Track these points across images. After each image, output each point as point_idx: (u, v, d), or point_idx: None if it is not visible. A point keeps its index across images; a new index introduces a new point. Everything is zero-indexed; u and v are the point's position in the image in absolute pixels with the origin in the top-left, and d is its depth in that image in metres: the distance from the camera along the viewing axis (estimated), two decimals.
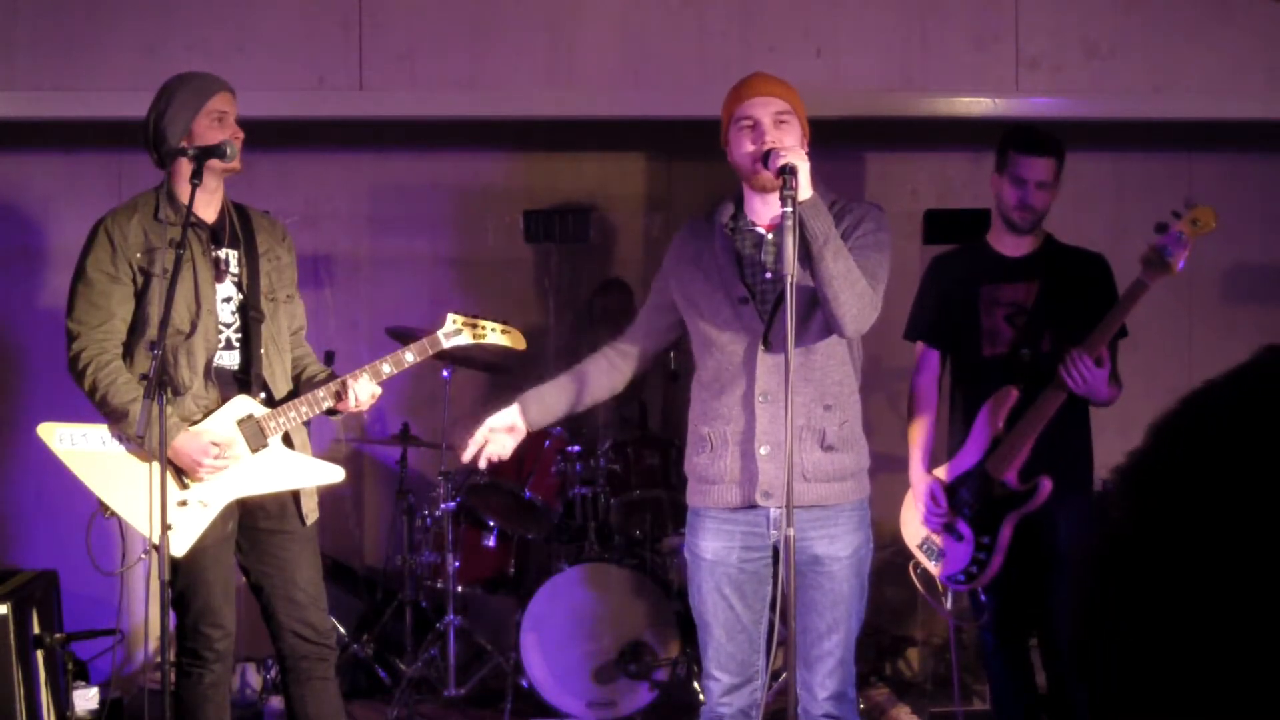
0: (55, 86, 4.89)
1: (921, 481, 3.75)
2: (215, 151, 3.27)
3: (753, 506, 3.04)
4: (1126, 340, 3.74)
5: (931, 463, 3.81)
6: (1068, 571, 3.56)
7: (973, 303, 3.74)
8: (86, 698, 4.45)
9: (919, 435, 3.82)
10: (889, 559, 5.19)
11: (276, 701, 4.51)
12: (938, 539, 3.73)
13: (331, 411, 3.44)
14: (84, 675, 4.55)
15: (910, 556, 3.81)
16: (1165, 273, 3.38)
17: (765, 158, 2.89)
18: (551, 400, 3.24)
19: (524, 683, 4.69)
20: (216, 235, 3.41)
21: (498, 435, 3.19)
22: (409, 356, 3.43)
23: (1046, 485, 3.51)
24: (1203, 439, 0.80)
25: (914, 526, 3.78)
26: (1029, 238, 3.76)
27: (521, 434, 3.21)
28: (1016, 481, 3.56)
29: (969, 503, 3.65)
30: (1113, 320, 3.45)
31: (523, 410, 3.21)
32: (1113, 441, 3.60)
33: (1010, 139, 3.76)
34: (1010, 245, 3.77)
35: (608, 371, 3.26)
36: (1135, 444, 0.84)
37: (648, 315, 3.29)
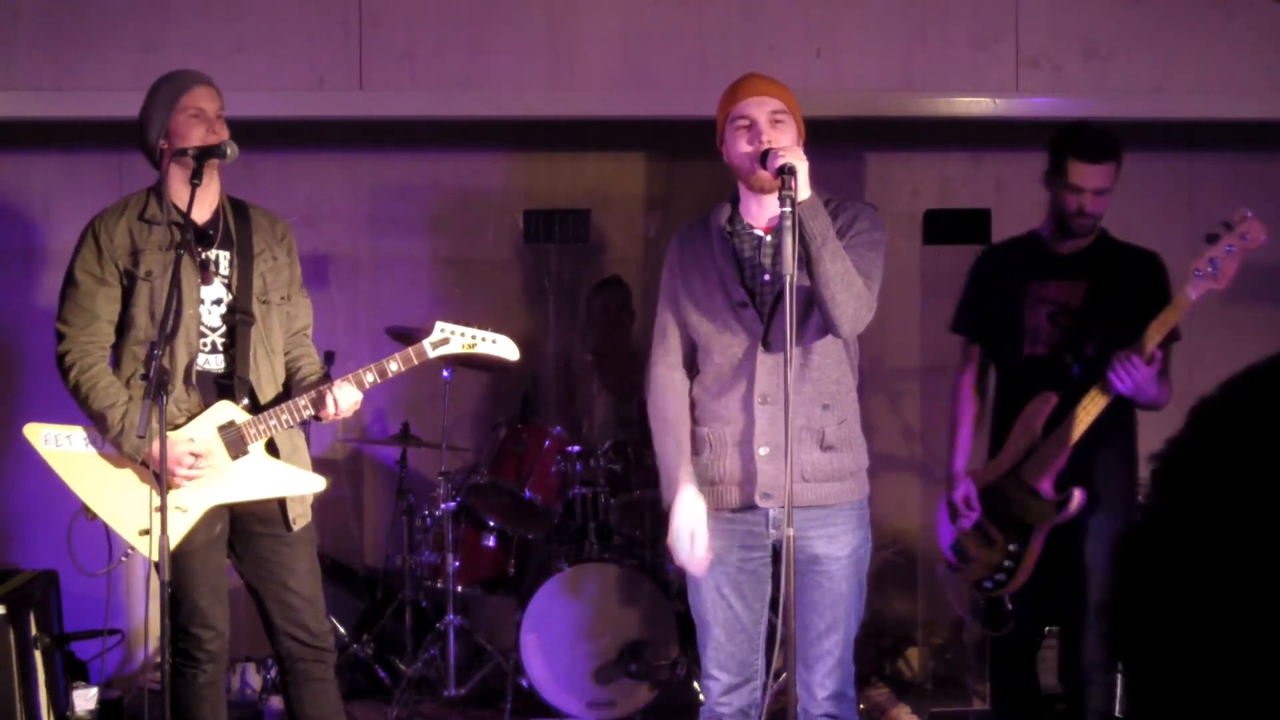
0: (55, 86, 4.89)
1: (956, 482, 3.70)
2: (215, 152, 3.26)
3: (752, 507, 3.04)
4: None
5: (972, 461, 3.76)
6: (1092, 586, 3.54)
7: (1018, 299, 3.64)
8: (86, 698, 4.45)
9: (957, 434, 3.77)
10: (889, 559, 5.20)
11: (276, 701, 4.51)
12: (969, 542, 3.70)
13: (316, 417, 3.41)
14: (83, 675, 4.55)
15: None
16: (1212, 283, 3.29)
17: (764, 158, 2.88)
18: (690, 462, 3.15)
19: (524, 683, 4.69)
20: (206, 236, 3.39)
21: (700, 526, 3.06)
22: (393, 366, 3.37)
23: (1079, 496, 3.45)
24: (1246, 422, 0.78)
25: (947, 527, 3.74)
26: (1085, 234, 3.65)
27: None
28: (1052, 490, 3.49)
29: (1002, 508, 3.61)
30: (1162, 325, 3.34)
31: (695, 489, 3.08)
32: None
33: (1065, 145, 3.58)
34: (1063, 242, 3.65)
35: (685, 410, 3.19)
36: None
37: (673, 342, 3.18)
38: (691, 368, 3.19)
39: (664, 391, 3.16)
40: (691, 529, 3.03)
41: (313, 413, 3.36)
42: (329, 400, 3.31)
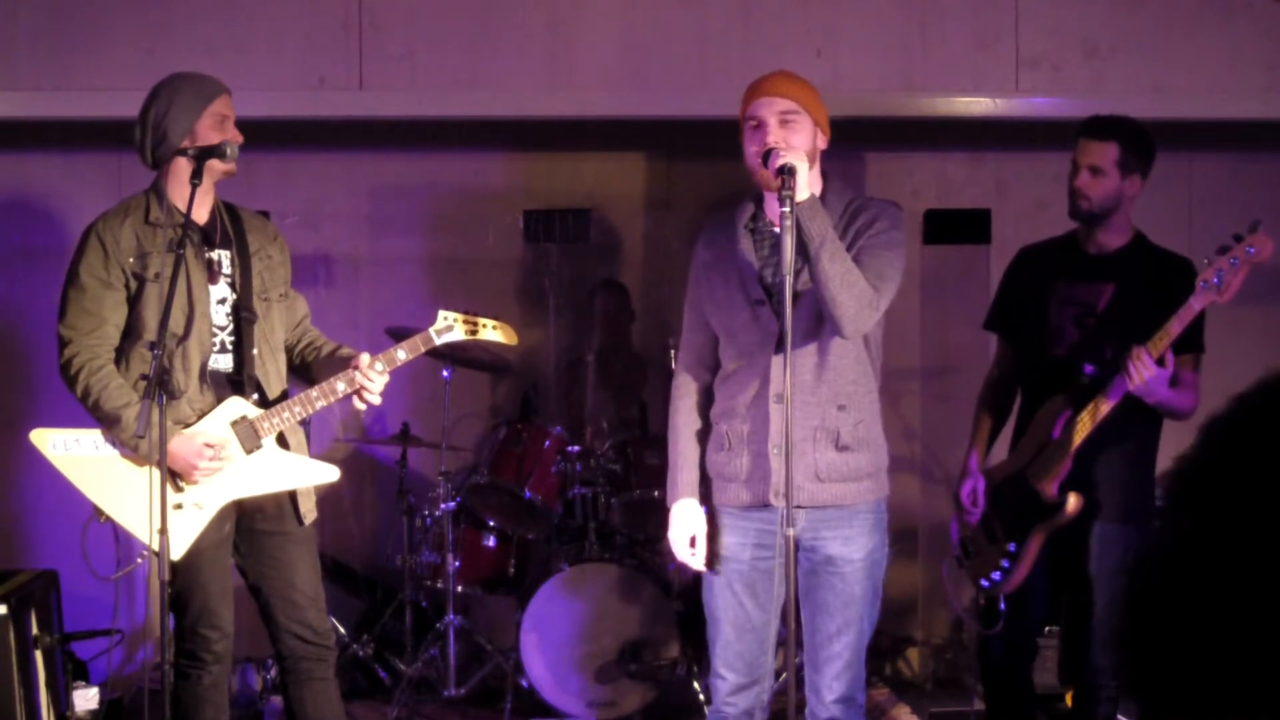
0: (55, 86, 4.89)
1: (967, 476, 3.70)
2: (215, 152, 3.26)
3: (766, 505, 3.04)
4: None
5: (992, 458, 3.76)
6: (1098, 592, 3.53)
7: (1045, 299, 3.62)
8: (86, 698, 4.45)
9: (979, 429, 3.78)
10: (889, 559, 5.19)
11: (276, 701, 4.51)
12: (976, 538, 3.70)
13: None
14: (84, 675, 4.55)
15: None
16: (1216, 295, 3.27)
17: (765, 157, 2.88)
18: (696, 473, 3.21)
19: (524, 683, 4.69)
20: (208, 237, 3.40)
21: (699, 532, 3.16)
22: (401, 354, 3.42)
23: (1074, 501, 3.45)
24: (1259, 439, 0.77)
25: (961, 521, 3.75)
26: (1116, 235, 3.59)
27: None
28: (1054, 494, 3.48)
29: (1008, 507, 3.60)
30: (1171, 328, 3.29)
31: (697, 499, 3.17)
32: None
33: (1080, 125, 3.59)
34: (1094, 242, 3.61)
35: (703, 415, 3.22)
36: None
37: (696, 340, 3.21)
38: (715, 365, 3.19)
39: (678, 398, 3.24)
40: (690, 536, 3.15)
41: (346, 389, 3.37)
42: (361, 385, 3.34)
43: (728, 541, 3.09)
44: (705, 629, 3.20)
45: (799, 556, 2.99)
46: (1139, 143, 3.55)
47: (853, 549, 3.04)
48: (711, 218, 3.23)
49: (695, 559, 3.14)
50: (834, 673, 3.07)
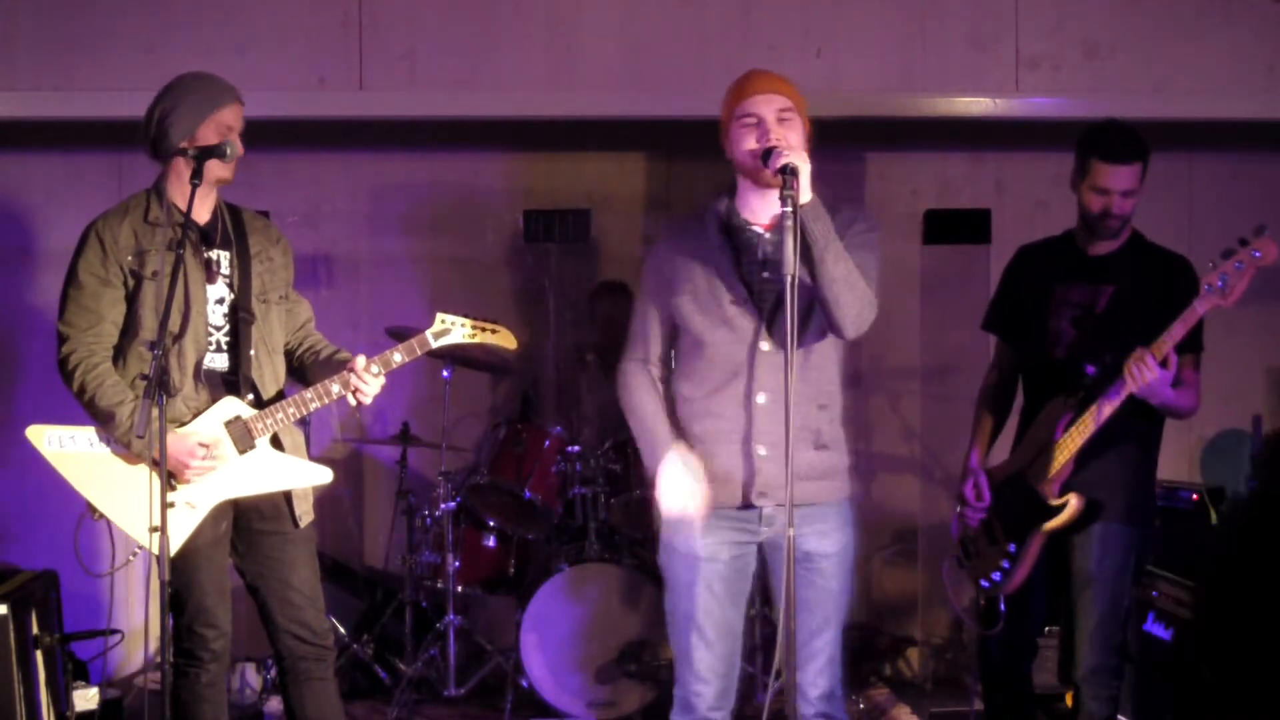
0: (55, 86, 4.89)
1: (969, 474, 3.70)
2: (215, 151, 3.26)
3: (748, 506, 3.03)
4: None
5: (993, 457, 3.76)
6: (1099, 593, 3.53)
7: (1044, 300, 3.62)
8: (86, 698, 4.45)
9: (979, 428, 3.78)
10: (889, 559, 5.19)
11: (276, 701, 4.52)
12: (977, 538, 3.70)
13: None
14: (84, 675, 4.55)
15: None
16: (1220, 299, 3.27)
17: (765, 156, 2.88)
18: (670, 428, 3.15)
19: (524, 683, 4.69)
20: (208, 236, 3.40)
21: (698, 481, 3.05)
22: (397, 357, 3.41)
23: (1075, 503, 3.45)
24: None
25: (957, 520, 3.75)
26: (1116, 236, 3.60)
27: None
28: (1054, 495, 3.49)
29: (1009, 508, 3.61)
30: (1174, 331, 3.29)
31: (680, 448, 3.08)
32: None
33: (1091, 145, 3.52)
34: (1091, 244, 3.62)
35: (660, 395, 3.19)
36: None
37: (647, 334, 3.19)
38: (667, 364, 3.17)
39: (632, 377, 3.19)
40: (686, 482, 3.00)
41: (324, 404, 3.37)
42: (356, 387, 3.34)
43: (705, 541, 3.06)
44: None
45: (779, 556, 2.96)
46: (1147, 151, 3.55)
47: (828, 544, 3.04)
48: (671, 220, 3.21)
49: (693, 503, 3.00)
50: (817, 668, 3.07)
